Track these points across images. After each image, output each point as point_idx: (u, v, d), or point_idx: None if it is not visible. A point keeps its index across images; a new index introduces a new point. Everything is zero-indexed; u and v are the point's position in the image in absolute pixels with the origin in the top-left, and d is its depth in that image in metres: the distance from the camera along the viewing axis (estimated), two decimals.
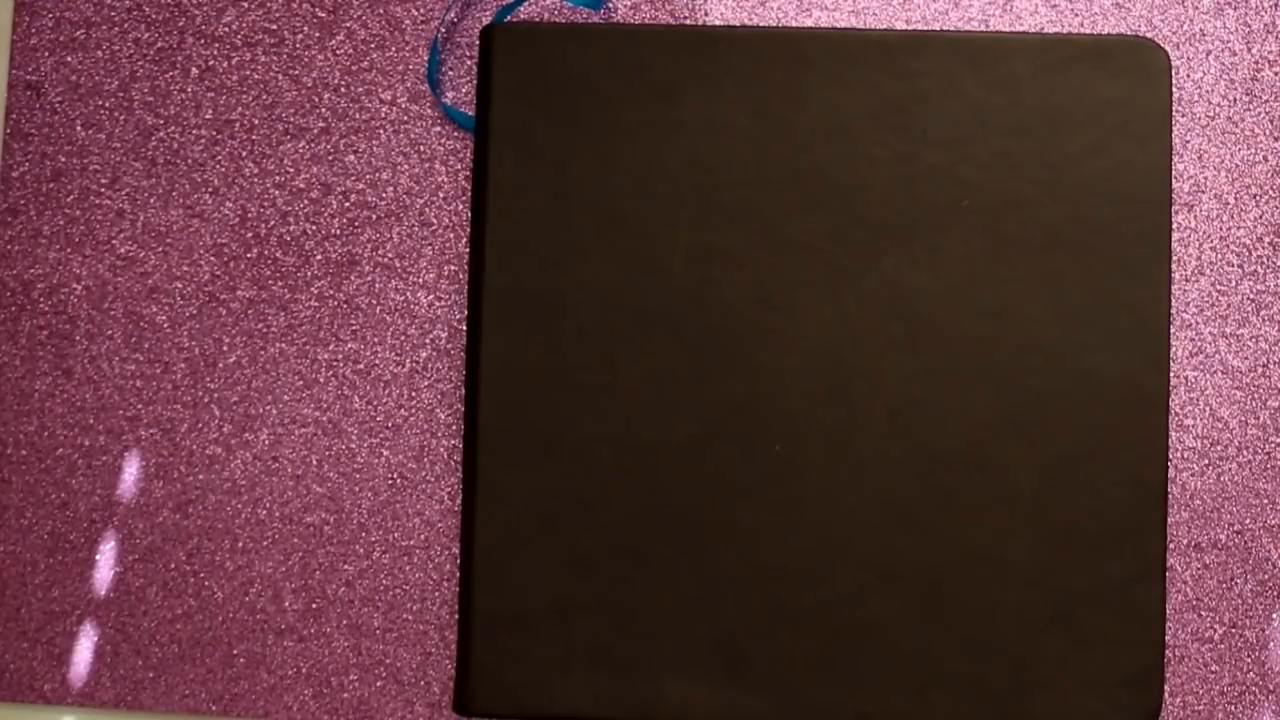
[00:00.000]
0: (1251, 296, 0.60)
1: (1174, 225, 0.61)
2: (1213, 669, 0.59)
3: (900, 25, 0.61)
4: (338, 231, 0.61)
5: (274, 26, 0.62)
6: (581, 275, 0.58)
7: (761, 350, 0.58)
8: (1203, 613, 0.59)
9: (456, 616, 0.60)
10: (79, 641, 0.60)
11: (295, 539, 0.60)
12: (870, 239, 0.58)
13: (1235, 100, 0.61)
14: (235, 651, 0.60)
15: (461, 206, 0.61)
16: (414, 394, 0.61)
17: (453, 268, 0.61)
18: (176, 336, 0.61)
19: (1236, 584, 0.59)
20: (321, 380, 0.61)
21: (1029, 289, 0.58)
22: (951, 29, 0.61)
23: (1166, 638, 0.59)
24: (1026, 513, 0.57)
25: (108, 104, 0.62)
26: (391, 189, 0.61)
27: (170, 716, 0.60)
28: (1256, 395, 0.60)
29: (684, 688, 0.57)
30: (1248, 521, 0.60)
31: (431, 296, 0.61)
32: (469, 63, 0.62)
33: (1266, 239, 0.60)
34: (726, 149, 0.58)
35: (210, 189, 0.61)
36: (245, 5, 0.62)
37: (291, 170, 0.61)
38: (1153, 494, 0.57)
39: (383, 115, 0.61)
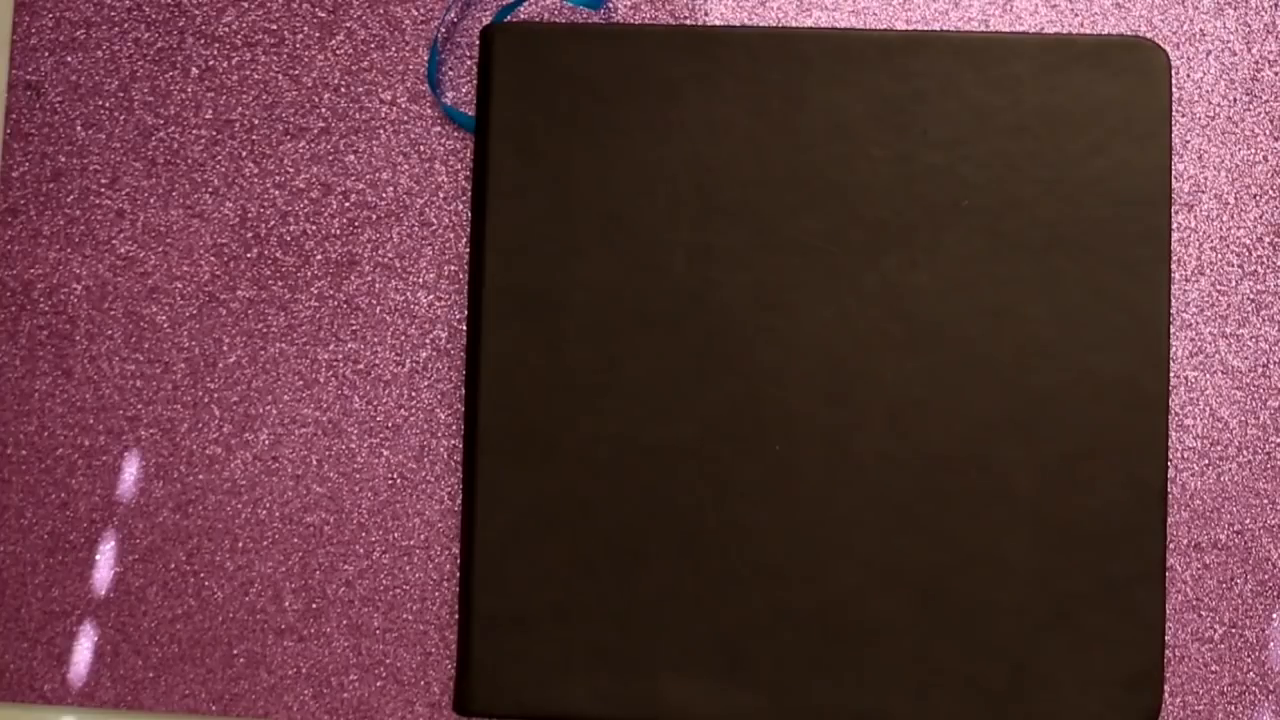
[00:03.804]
0: (1251, 296, 0.60)
1: (1174, 225, 0.61)
2: (1213, 669, 0.59)
3: (900, 25, 0.61)
4: (338, 231, 0.61)
5: (274, 26, 0.62)
6: (581, 275, 0.58)
7: (761, 350, 0.58)
8: (1203, 613, 0.59)
9: (456, 616, 0.60)
10: (79, 641, 0.60)
11: (295, 539, 0.60)
12: (870, 239, 0.58)
13: (1235, 100, 0.61)
14: (235, 651, 0.60)
15: (461, 206, 0.61)
16: (414, 394, 0.61)
17: (453, 268, 0.61)
18: (176, 336, 0.61)
19: (1236, 584, 0.59)
20: (321, 380, 0.61)
21: (1029, 289, 0.58)
22: (951, 29, 0.61)
23: (1166, 638, 0.59)
24: (1026, 513, 0.57)
25: (108, 104, 0.62)
26: (391, 189, 0.61)
27: (170, 716, 0.60)
28: (1256, 395, 0.60)
29: (684, 687, 0.57)
30: (1248, 521, 0.60)
31: (431, 296, 0.61)
32: (469, 63, 0.62)
33: (1266, 239, 0.60)
34: (726, 149, 0.58)
35: (210, 189, 0.62)
36: (245, 5, 0.62)
37: (291, 170, 0.61)
38: (1153, 494, 0.57)
39: (383, 115, 0.62)
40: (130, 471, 0.61)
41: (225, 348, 0.61)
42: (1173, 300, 0.60)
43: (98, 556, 0.61)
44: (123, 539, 0.61)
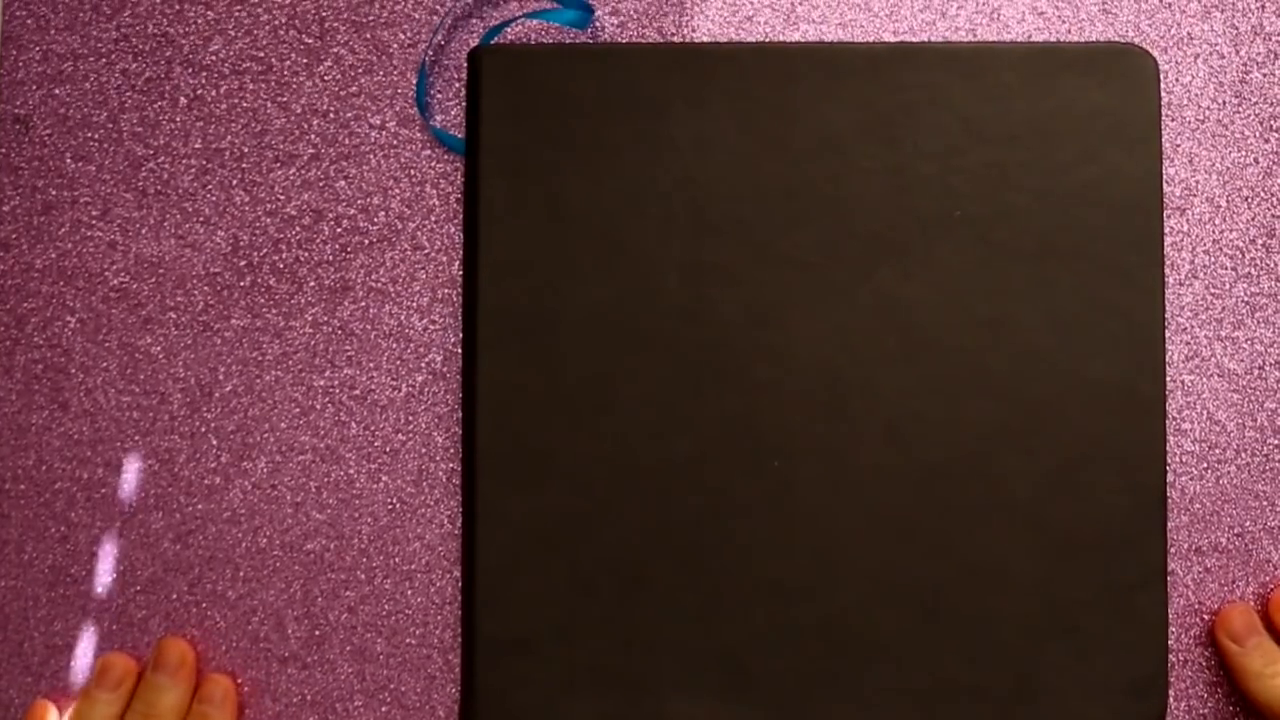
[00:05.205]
0: (1246, 299, 0.60)
1: (1166, 229, 0.61)
2: (1217, 673, 0.59)
3: (888, 37, 0.61)
4: (330, 257, 0.61)
5: (261, 54, 0.62)
6: (575, 295, 0.58)
7: (757, 366, 0.58)
8: (1205, 616, 0.59)
9: (459, 640, 0.60)
10: (83, 675, 0.60)
11: (296, 566, 0.60)
12: (863, 252, 0.58)
13: (1225, 103, 0.61)
14: (240, 680, 0.60)
15: (454, 229, 0.61)
16: (411, 418, 0.61)
17: (446, 291, 0.61)
18: (172, 367, 0.61)
19: (1238, 587, 0.59)
20: (318, 407, 0.61)
21: (1023, 298, 0.58)
22: (939, 40, 0.61)
23: (1170, 643, 0.59)
24: (1026, 522, 0.57)
25: (97, 135, 0.62)
26: (383, 213, 0.61)
27: None
28: (1253, 397, 0.60)
29: (688, 706, 0.57)
30: (1248, 524, 0.60)
31: (426, 320, 0.61)
32: (457, 85, 0.62)
33: (1259, 241, 0.60)
34: (717, 165, 0.58)
35: (201, 218, 0.61)
36: (232, 33, 0.62)
37: (282, 197, 0.61)
38: (1152, 499, 0.57)
39: (372, 140, 0.61)
40: (129, 503, 0.61)
41: (221, 376, 0.61)
42: (1167, 305, 0.60)
43: (99, 589, 0.60)
44: (124, 571, 0.60)
